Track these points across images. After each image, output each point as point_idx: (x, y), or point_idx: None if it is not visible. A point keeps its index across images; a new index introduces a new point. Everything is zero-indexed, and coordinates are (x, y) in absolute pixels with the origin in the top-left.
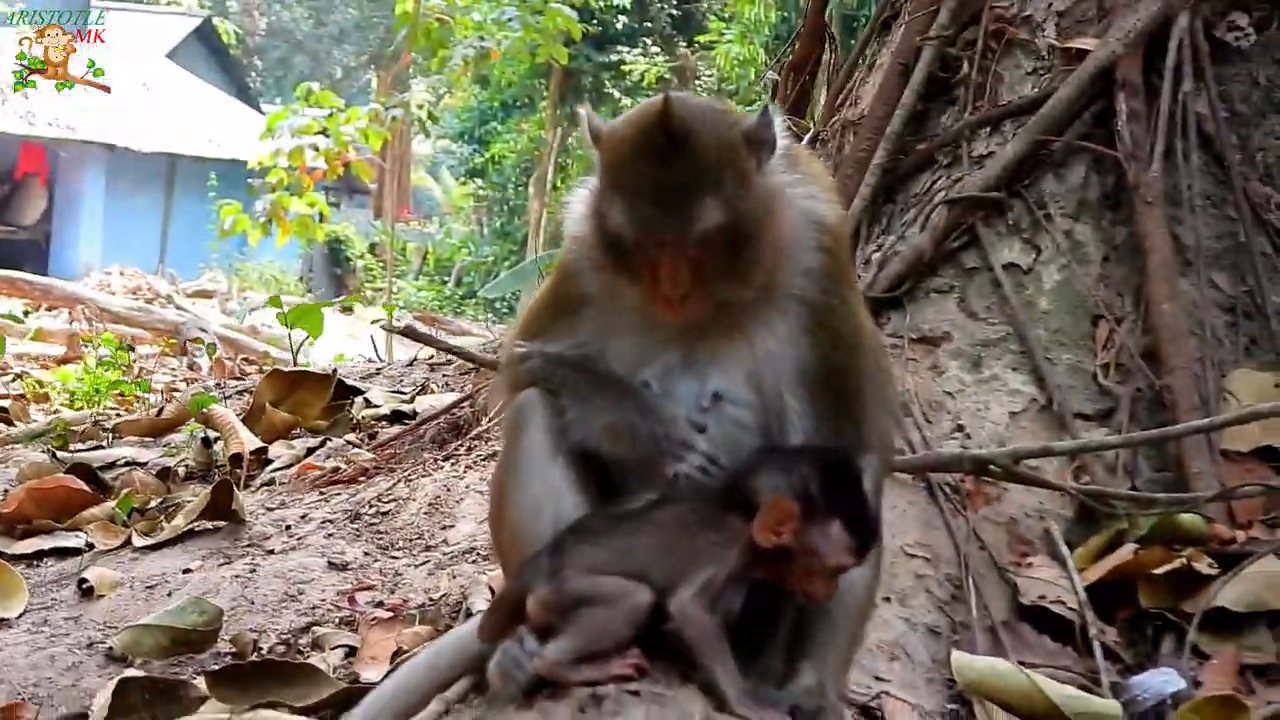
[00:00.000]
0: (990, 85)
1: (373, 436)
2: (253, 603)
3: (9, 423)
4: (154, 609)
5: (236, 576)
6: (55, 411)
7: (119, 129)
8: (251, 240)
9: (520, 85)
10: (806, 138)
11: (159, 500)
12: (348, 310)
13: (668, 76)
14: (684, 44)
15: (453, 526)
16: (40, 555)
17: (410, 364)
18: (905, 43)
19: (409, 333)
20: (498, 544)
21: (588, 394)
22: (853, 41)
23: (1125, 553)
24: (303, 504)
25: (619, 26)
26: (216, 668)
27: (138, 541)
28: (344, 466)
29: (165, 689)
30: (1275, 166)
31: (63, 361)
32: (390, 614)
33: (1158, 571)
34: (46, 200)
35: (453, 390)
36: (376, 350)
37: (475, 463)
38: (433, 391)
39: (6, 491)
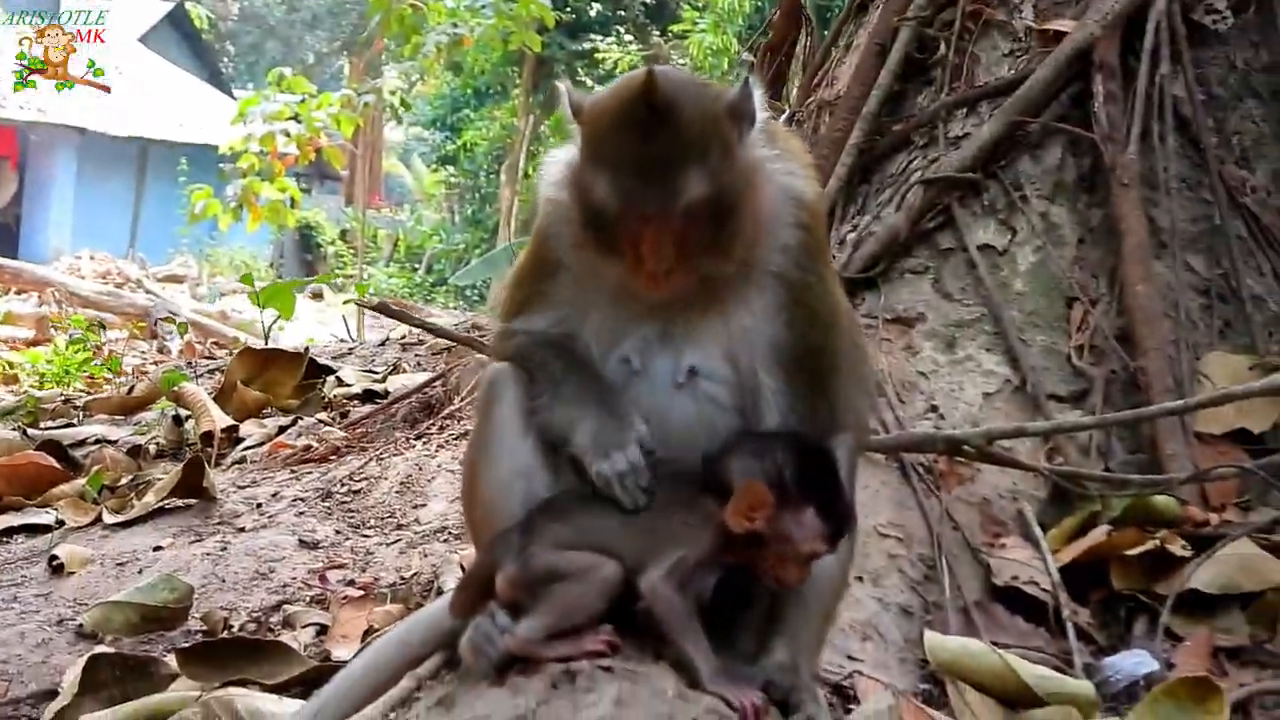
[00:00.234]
0: (967, 66)
1: (344, 415)
2: (224, 580)
3: None
4: (124, 586)
5: (207, 554)
6: (24, 392)
7: (90, 113)
8: (222, 225)
9: (493, 73)
10: (783, 118)
11: (130, 478)
12: (318, 297)
13: (640, 65)
14: (657, 33)
15: (424, 505)
16: (10, 532)
17: (382, 344)
18: (882, 23)
19: (382, 308)
20: (470, 521)
21: (561, 377)
22: (828, 24)
23: (1098, 534)
24: (274, 482)
25: (592, 14)
26: (187, 645)
27: (108, 519)
28: (315, 445)
29: (135, 666)
30: (1251, 150)
31: (32, 344)
32: (361, 592)
33: (1131, 553)
34: (17, 184)
35: (425, 370)
36: (349, 330)
37: (447, 442)
38: (404, 371)
39: None
